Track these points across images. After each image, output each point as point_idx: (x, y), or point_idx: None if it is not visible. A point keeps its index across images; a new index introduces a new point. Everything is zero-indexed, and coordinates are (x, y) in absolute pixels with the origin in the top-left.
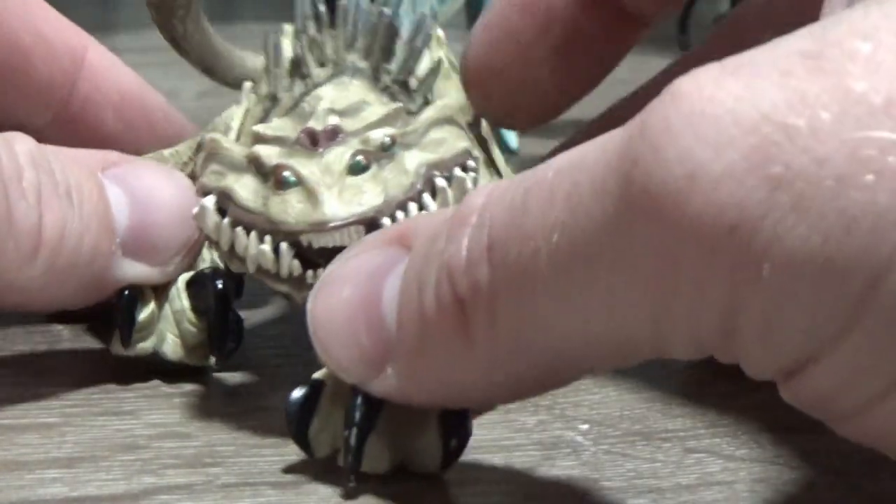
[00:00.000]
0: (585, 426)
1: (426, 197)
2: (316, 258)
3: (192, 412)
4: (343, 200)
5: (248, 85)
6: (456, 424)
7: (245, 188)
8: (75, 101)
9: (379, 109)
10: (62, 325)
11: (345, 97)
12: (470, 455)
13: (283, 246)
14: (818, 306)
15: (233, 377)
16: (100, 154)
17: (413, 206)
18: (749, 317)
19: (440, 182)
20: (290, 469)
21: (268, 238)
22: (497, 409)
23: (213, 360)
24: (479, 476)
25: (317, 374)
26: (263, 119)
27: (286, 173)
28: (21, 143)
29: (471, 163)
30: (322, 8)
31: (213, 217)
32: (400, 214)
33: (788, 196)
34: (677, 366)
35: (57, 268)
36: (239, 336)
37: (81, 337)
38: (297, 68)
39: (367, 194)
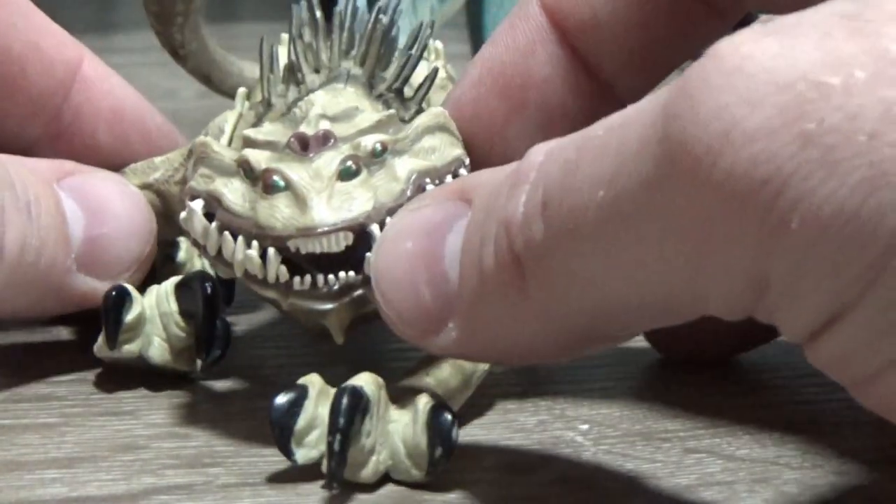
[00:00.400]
0: (585, 426)
1: None
2: (303, 264)
3: (192, 412)
4: (332, 206)
5: (242, 90)
6: (442, 434)
7: (234, 192)
8: (67, 113)
9: (371, 116)
10: (62, 326)
11: (337, 103)
12: (469, 455)
13: (271, 251)
14: (842, 263)
15: (232, 378)
16: (55, 164)
17: None
18: (778, 273)
19: (431, 189)
20: (289, 469)
21: (255, 243)
22: (497, 409)
23: (199, 365)
24: (478, 477)
25: (301, 380)
26: (256, 124)
27: (275, 177)
28: None
29: (462, 171)
30: (318, 14)
31: (200, 221)
32: (389, 221)
33: (819, 151)
34: (677, 366)
35: (15, 282)
36: (226, 342)
37: (81, 337)
38: (293, 74)
39: (357, 200)
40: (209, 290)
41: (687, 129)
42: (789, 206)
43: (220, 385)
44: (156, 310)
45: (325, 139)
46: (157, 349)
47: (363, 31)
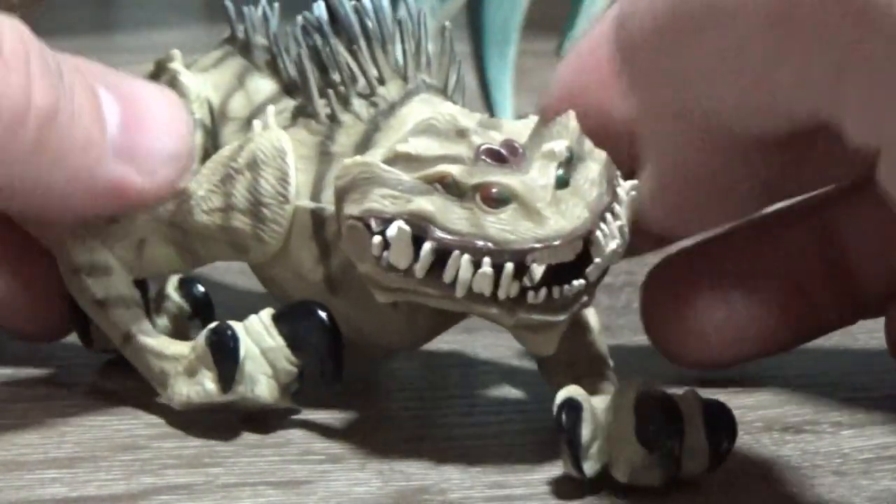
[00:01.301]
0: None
1: (615, 206)
2: (530, 278)
3: (192, 412)
4: (564, 215)
5: (271, 108)
6: (722, 424)
7: (444, 210)
8: None
9: (522, 123)
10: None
11: (465, 113)
12: (469, 455)
13: (509, 267)
14: None
15: None
16: (89, 64)
17: (609, 216)
18: (856, 68)
19: (622, 190)
20: (289, 469)
21: (486, 260)
22: (496, 408)
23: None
24: (478, 477)
25: (564, 393)
26: (325, 142)
27: (497, 190)
28: (7, 21)
29: (615, 169)
30: (370, 24)
31: (409, 244)
32: (602, 226)
33: None
34: (677, 366)
35: (48, 145)
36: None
37: (81, 337)
38: (349, 86)
39: (577, 207)
40: (326, 317)
41: None
42: None
43: None
44: (255, 347)
45: (515, 150)
46: (264, 387)
47: (418, 39)
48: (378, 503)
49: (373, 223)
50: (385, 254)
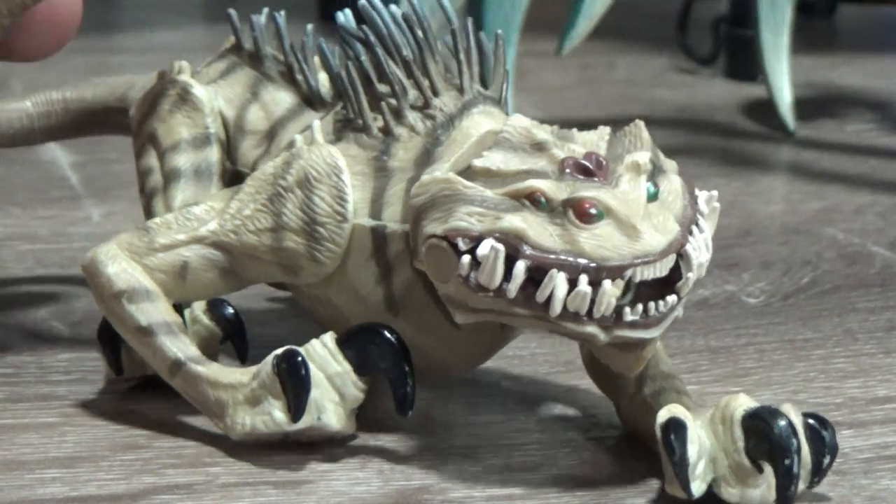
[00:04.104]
0: (587, 424)
1: (699, 218)
2: (620, 295)
3: (192, 413)
4: (658, 229)
5: (317, 123)
6: (825, 440)
7: (535, 227)
8: None
9: (597, 133)
10: (62, 326)
11: (537, 125)
12: (470, 455)
13: (607, 283)
14: None
15: None
16: None
17: (695, 230)
18: None
19: (702, 201)
20: (289, 469)
21: (583, 277)
22: (497, 408)
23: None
24: (478, 476)
25: (666, 412)
26: (380, 158)
27: (590, 206)
28: None
29: (692, 181)
30: (421, 35)
31: (500, 263)
32: (691, 239)
33: None
34: (678, 368)
35: None
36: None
37: (81, 337)
38: (401, 99)
39: (669, 221)
40: (395, 339)
41: None
42: None
43: None
44: (319, 373)
45: (599, 162)
46: (332, 414)
47: (468, 48)
48: (378, 503)
49: (460, 242)
50: (473, 273)
